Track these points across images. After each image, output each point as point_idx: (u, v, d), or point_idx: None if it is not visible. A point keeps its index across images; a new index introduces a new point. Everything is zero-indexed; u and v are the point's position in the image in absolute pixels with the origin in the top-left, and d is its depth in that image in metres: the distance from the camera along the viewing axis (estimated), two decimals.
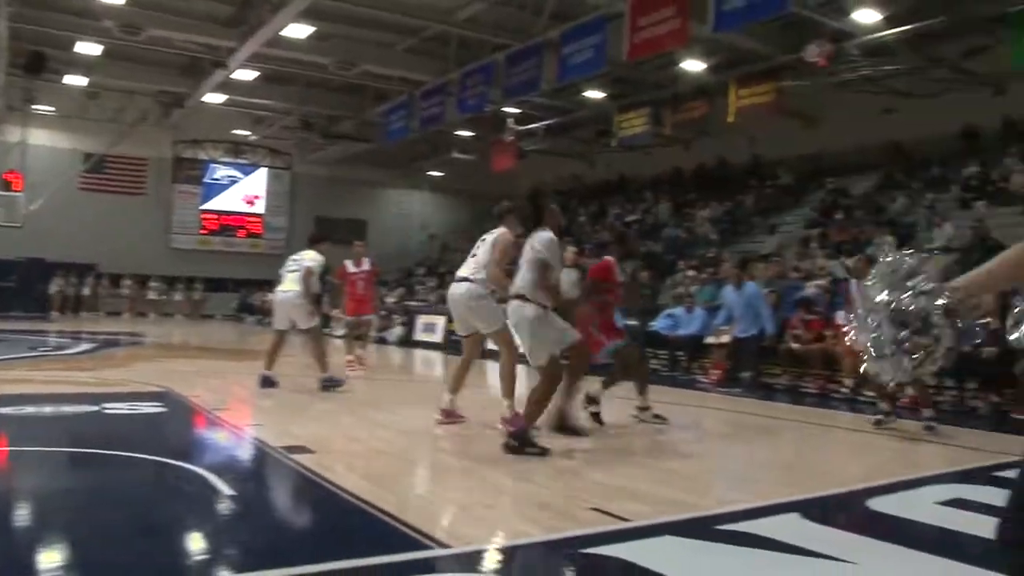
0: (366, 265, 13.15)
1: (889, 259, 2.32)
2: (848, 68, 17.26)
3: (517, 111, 24.72)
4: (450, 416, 7.48)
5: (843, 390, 11.63)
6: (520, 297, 6.38)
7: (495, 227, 7.44)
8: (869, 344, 2.29)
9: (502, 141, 25.78)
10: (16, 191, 26.16)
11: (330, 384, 9.54)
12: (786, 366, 12.68)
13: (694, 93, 20.98)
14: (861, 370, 2.51)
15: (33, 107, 27.36)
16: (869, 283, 2.36)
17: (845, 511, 5.19)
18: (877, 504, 5.12)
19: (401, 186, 37.12)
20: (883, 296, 2.27)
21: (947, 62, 18.06)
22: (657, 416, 8.07)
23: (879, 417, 8.43)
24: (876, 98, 19.85)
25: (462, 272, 7.32)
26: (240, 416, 8.15)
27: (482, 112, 22.25)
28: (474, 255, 7.34)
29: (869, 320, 2.31)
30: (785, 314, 13.37)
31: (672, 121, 21.60)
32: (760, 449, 7.44)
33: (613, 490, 5.19)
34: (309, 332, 9.74)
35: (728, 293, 12.75)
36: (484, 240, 7.37)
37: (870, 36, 15.92)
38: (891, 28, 15.60)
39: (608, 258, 8.03)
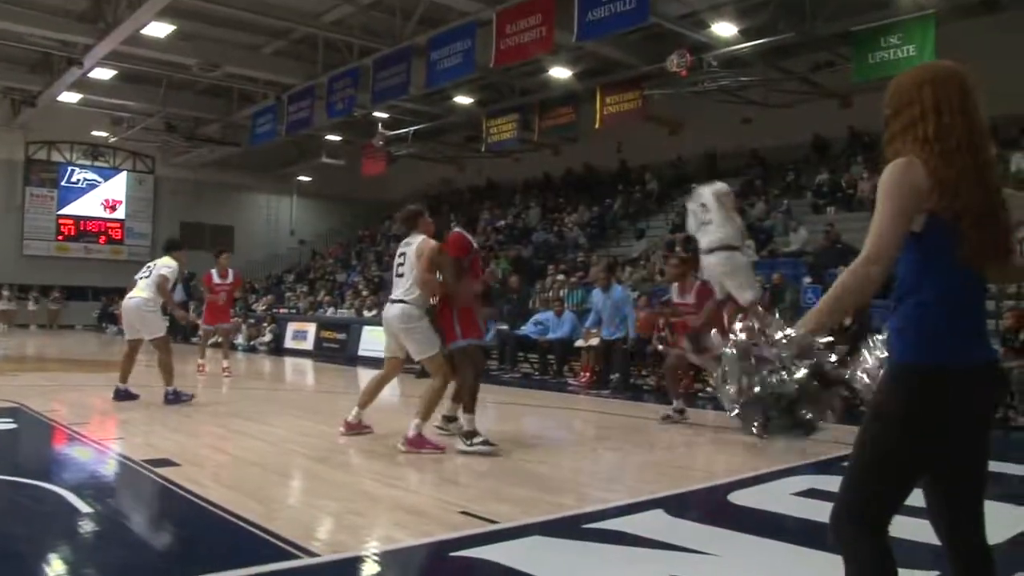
0: (231, 277, 13.28)
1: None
2: (708, 78, 17.91)
3: (386, 116, 24.62)
4: (353, 428, 7.34)
5: (708, 389, 12.04)
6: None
7: (403, 233, 7.24)
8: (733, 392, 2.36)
9: (372, 146, 25.64)
10: None
11: (175, 398, 9.09)
12: (653, 368, 13.03)
13: (562, 100, 21.39)
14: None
15: None
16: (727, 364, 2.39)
17: (708, 505, 5.38)
18: (738, 497, 5.34)
19: (270, 191, 36.39)
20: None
21: (797, 75, 19.04)
22: (466, 433, 6.77)
23: (669, 413, 8.82)
24: (735, 107, 20.69)
25: (396, 293, 6.94)
26: (100, 431, 7.82)
27: (351, 116, 22.09)
28: (400, 274, 6.93)
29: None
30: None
31: (540, 127, 21.96)
32: (628, 449, 7.63)
33: (482, 493, 5.26)
34: (155, 342, 9.23)
35: (597, 296, 13.04)
36: (405, 254, 6.94)
37: (727, 49, 16.61)
38: (746, 42, 16.32)
39: (456, 230, 7.23)
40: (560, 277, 18.06)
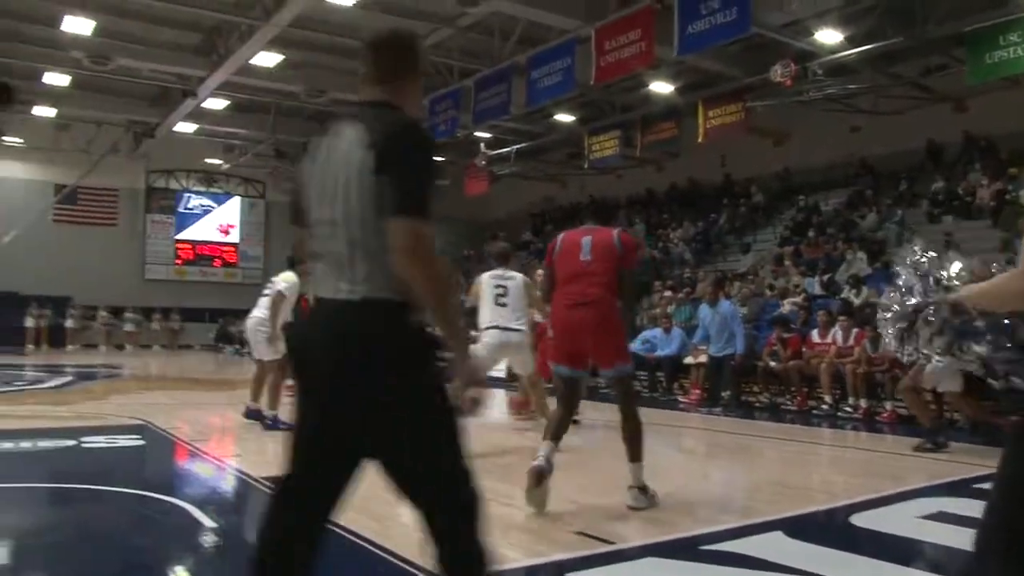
0: None
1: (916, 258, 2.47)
2: (813, 87, 17.51)
3: (488, 135, 24.85)
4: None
5: (823, 407, 11.73)
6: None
7: (498, 267, 8.28)
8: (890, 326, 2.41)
9: (474, 166, 25.88)
10: None
11: (273, 424, 8.64)
12: (765, 384, 12.76)
13: (663, 115, 21.19)
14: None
15: (3, 138, 27.14)
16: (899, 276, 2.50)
17: (829, 528, 5.22)
18: (861, 520, 5.16)
19: None
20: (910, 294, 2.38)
21: (908, 80, 18.45)
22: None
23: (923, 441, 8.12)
24: (842, 116, 20.18)
25: (506, 322, 7.97)
26: (220, 448, 8.09)
27: (453, 137, 22.34)
28: (504, 304, 7.98)
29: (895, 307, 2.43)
30: (761, 333, 13.50)
31: (643, 143, 21.79)
32: (742, 468, 7.48)
33: (596, 512, 5.21)
34: (265, 365, 9.00)
35: (704, 312, 12.85)
36: (505, 287, 8.03)
37: (833, 56, 16.18)
38: (853, 48, 15.87)
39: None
40: (667, 294, 17.86)
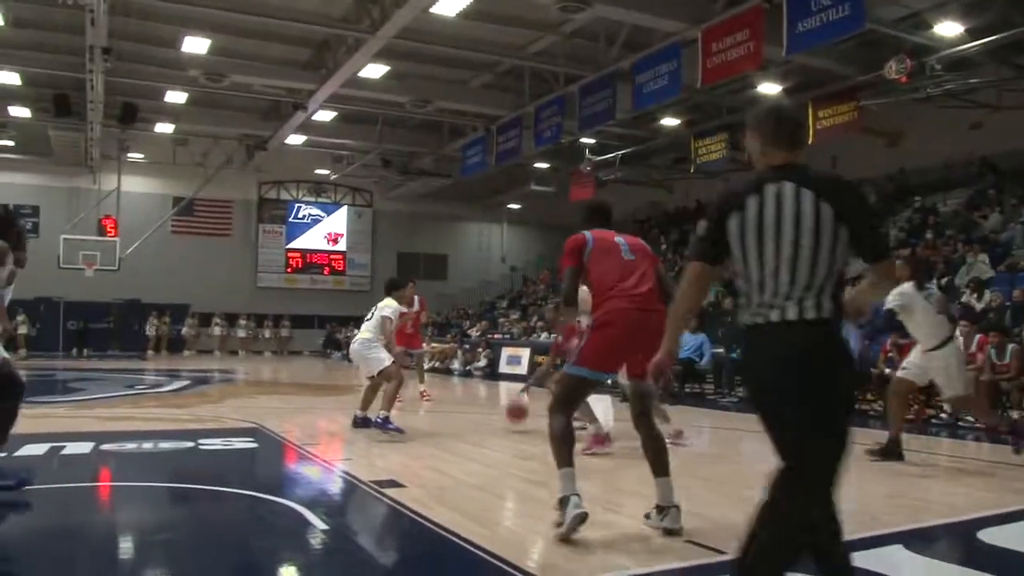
0: (417, 305, 13.62)
1: None
2: (931, 83, 16.82)
3: (593, 141, 24.75)
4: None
5: (942, 416, 11.26)
6: None
7: None
8: None
9: (580, 172, 25.82)
10: (112, 236, 27.24)
11: (381, 424, 8.72)
12: (880, 393, 12.32)
13: None
14: None
15: (127, 155, 28.44)
16: None
17: (954, 543, 4.99)
18: (989, 536, 4.90)
19: (481, 220, 37.43)
20: None
21: None
22: None
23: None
24: (961, 112, 19.34)
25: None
26: (329, 451, 8.23)
27: (558, 144, 22.31)
28: None
29: None
30: (876, 339, 13.05)
31: None
32: (858, 479, 7.20)
33: (707, 521, 5.08)
34: (383, 374, 9.05)
35: None
36: None
37: (952, 50, 15.51)
38: (974, 40, 15.17)
39: None
40: None
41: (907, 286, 7.52)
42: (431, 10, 16.53)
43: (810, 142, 18.84)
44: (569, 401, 5.08)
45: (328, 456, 7.78)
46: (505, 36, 19.60)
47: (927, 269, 10.79)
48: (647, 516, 4.98)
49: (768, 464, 2.91)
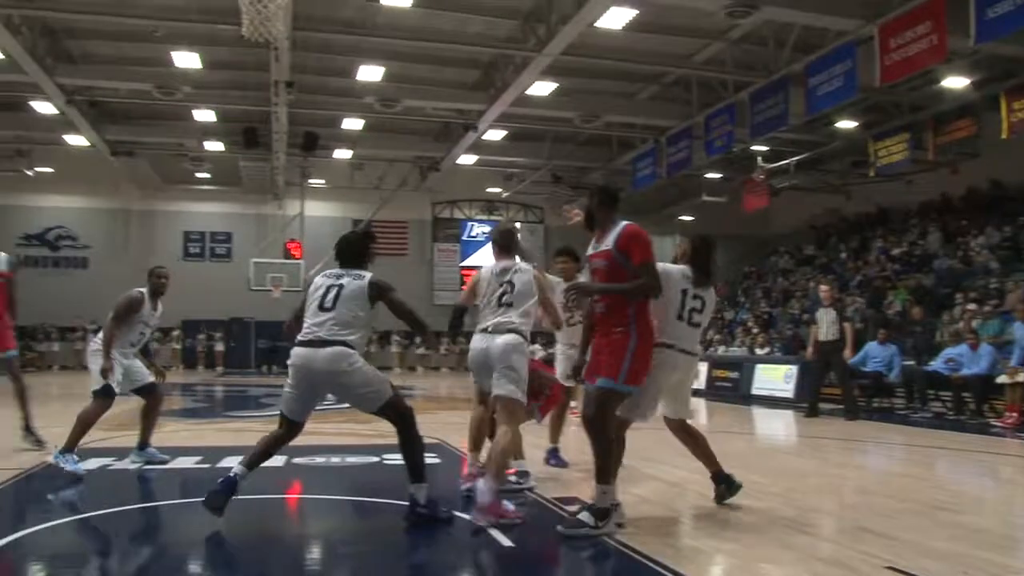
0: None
1: None
2: None
3: (766, 149, 24.09)
4: None
5: None
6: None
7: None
8: None
9: (752, 180, 25.18)
10: (297, 258, 28.71)
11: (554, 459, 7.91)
12: None
13: (958, 112, 19.59)
14: None
15: (308, 181, 29.93)
16: None
17: None
18: None
19: (653, 232, 36.22)
20: None
21: None
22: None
23: None
24: None
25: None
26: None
27: (730, 152, 21.87)
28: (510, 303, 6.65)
29: None
30: None
31: (935, 144, 20.28)
32: None
33: (905, 546, 4.76)
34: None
35: (1019, 329, 11.63)
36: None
37: None
38: None
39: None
40: (971, 307, 16.41)
41: None
42: (596, 24, 16.60)
43: (1004, 137, 17.65)
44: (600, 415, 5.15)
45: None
46: (671, 46, 19.40)
47: None
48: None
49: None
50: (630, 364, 5.08)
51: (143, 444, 7.76)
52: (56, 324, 31.36)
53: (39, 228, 33.05)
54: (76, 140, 26.09)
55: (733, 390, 19.40)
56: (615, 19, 16.54)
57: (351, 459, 8.21)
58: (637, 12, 16.33)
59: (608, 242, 5.35)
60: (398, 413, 5.44)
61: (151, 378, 7.76)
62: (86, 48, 20.54)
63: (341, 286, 5.55)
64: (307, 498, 6.65)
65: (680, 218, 35.10)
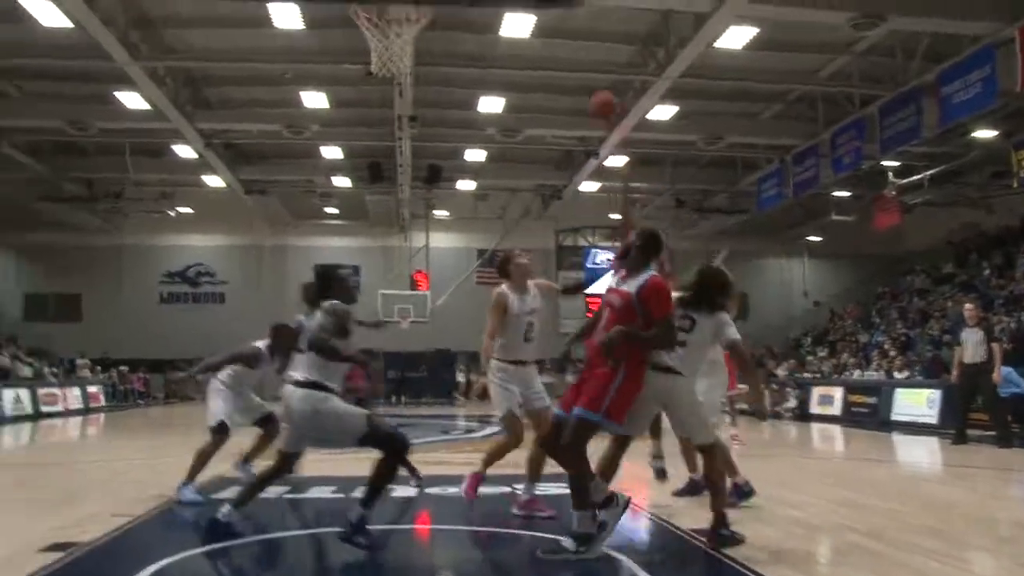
0: None
1: None
2: None
3: (897, 164, 23.26)
4: None
5: None
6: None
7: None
8: None
9: (883, 197, 24.33)
10: (423, 290, 29.27)
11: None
12: None
13: None
14: None
15: (433, 213, 30.53)
16: None
17: None
18: None
19: (780, 254, 36.27)
20: None
21: None
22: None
23: None
24: None
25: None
26: (649, 498, 7.97)
27: (858, 169, 21.20)
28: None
29: None
30: None
31: None
32: None
33: None
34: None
35: None
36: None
37: None
38: None
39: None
40: None
41: None
42: (716, 45, 16.42)
43: None
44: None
45: (647, 504, 7.55)
46: (794, 63, 18.98)
47: None
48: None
49: None
50: (612, 399, 5.15)
51: (247, 459, 8.13)
52: (197, 357, 32.69)
53: (180, 265, 34.73)
54: (213, 181, 27.40)
55: (871, 416, 18.70)
56: (735, 39, 16.34)
57: (483, 489, 8.21)
58: (758, 30, 16.08)
59: (631, 286, 5.41)
60: (379, 440, 5.65)
61: (268, 409, 8.05)
62: (222, 94, 21.54)
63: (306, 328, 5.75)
64: (442, 529, 6.67)
65: (809, 239, 34.24)
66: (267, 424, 8.05)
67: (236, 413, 7.79)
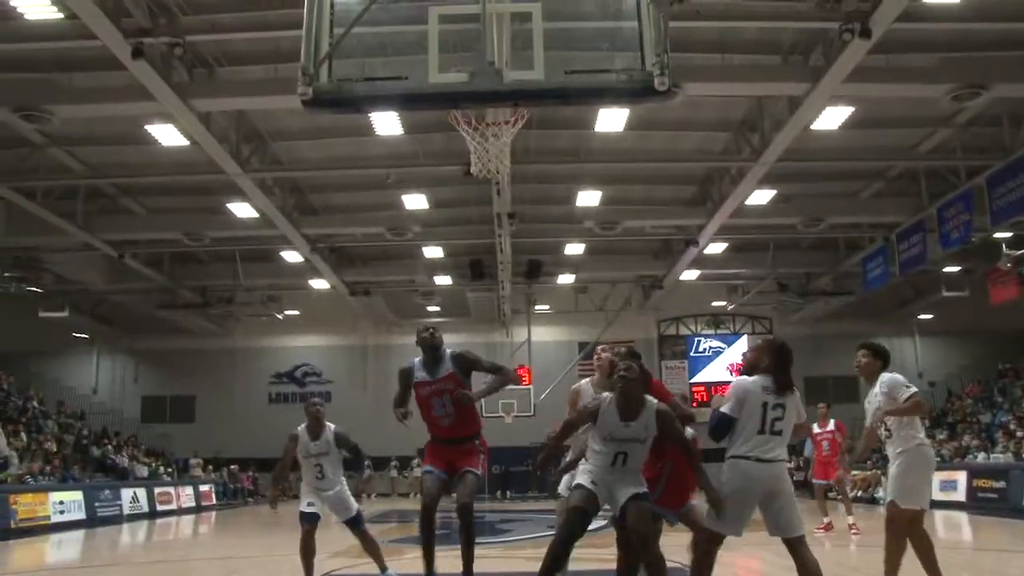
0: (830, 425, 13.25)
1: None
2: None
3: (1010, 235, 22.50)
4: None
5: None
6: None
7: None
8: None
9: (998, 270, 23.49)
10: (526, 384, 29.32)
11: None
12: None
13: None
14: None
15: (534, 308, 30.78)
16: None
17: None
18: None
19: (890, 334, 35.05)
20: None
21: None
22: None
23: None
24: None
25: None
26: None
27: (969, 243, 20.58)
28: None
29: None
30: None
31: None
32: None
33: None
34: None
35: None
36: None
37: None
38: None
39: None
40: None
41: None
42: (812, 127, 16.37)
43: None
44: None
45: None
46: (893, 139, 18.76)
47: None
48: None
49: None
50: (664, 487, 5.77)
51: (382, 568, 7.99)
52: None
53: (288, 366, 35.64)
54: (319, 284, 28.28)
55: (1000, 501, 17.73)
56: (831, 119, 16.26)
57: None
58: (853, 109, 15.97)
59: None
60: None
61: (351, 512, 7.98)
62: (326, 200, 22.40)
63: None
64: None
65: (919, 317, 33.22)
66: (352, 528, 8.10)
67: None
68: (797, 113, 15.37)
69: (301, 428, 7.98)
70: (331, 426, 8.04)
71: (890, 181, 21.44)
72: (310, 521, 7.60)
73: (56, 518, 18.34)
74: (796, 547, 5.42)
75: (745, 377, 5.82)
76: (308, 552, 7.60)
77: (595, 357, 6.95)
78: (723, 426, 5.65)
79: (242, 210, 20.84)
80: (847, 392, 31.20)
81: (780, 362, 5.74)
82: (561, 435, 6.14)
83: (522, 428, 29.52)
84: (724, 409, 5.68)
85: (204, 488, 27.42)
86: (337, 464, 8.00)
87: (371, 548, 7.98)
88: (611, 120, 16.65)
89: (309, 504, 7.71)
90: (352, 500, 7.96)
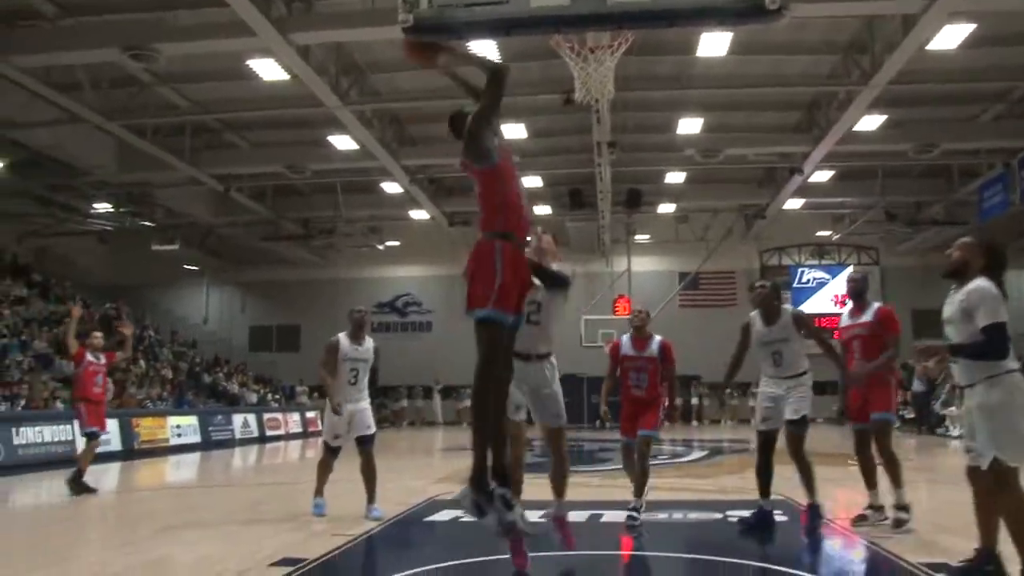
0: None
1: None
2: None
3: None
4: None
5: None
6: None
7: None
8: None
9: None
10: (626, 314, 29.07)
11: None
12: None
13: None
14: None
15: (634, 237, 30.45)
16: None
17: None
18: None
19: (1009, 266, 33.71)
20: None
21: None
22: None
23: None
24: None
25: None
26: (865, 527, 7.41)
27: None
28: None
29: None
30: None
31: None
32: None
33: None
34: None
35: None
36: None
37: None
38: None
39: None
40: None
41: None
42: (927, 48, 15.53)
43: None
44: None
45: (864, 532, 7.05)
46: (1017, 57, 17.65)
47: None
48: None
49: None
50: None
51: (370, 498, 8.14)
52: (407, 384, 33.96)
53: (390, 296, 36.23)
54: (418, 214, 28.54)
55: None
56: (949, 38, 15.33)
57: (693, 515, 8.03)
58: (974, 26, 15.01)
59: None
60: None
61: (369, 431, 8.29)
62: (425, 131, 22.39)
63: None
64: (658, 556, 6.53)
65: None
66: (360, 448, 8.42)
67: None
68: (912, 32, 14.60)
69: (342, 335, 8.34)
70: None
71: (1012, 104, 20.30)
72: (334, 454, 8.27)
73: (174, 440, 19.33)
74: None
75: (988, 282, 5.20)
76: (327, 470, 8.29)
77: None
78: (1006, 335, 4.93)
79: (342, 142, 21.07)
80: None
81: (999, 263, 5.33)
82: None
83: None
84: (1000, 319, 4.98)
85: (310, 415, 28.27)
86: (366, 375, 8.40)
87: (370, 473, 8.17)
88: (714, 44, 16.16)
89: (336, 438, 8.22)
90: (372, 420, 8.41)
